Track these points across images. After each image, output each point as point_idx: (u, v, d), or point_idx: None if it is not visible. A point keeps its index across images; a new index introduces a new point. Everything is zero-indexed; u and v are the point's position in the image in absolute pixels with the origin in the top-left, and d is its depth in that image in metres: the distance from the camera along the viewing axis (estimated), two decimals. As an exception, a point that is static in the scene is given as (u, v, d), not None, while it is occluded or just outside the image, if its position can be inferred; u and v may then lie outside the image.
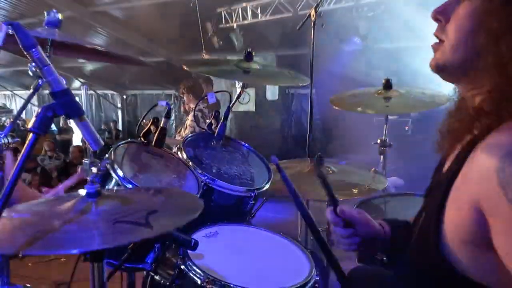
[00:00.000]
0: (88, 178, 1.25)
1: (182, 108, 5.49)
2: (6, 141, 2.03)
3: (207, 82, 5.79)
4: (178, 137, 5.37)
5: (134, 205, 1.31)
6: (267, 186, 2.17)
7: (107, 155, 1.78)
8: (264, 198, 2.27)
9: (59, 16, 1.86)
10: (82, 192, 1.26)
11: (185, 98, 5.33)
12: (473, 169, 0.87)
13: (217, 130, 2.28)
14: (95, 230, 1.10)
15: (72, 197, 1.28)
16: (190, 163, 2.03)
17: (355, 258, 2.27)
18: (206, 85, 5.75)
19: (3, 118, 12.68)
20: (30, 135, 1.06)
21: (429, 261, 0.96)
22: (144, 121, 2.15)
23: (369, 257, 1.36)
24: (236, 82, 2.37)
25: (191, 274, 1.52)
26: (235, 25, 7.32)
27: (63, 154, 10.02)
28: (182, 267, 1.55)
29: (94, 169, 1.25)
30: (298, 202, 1.32)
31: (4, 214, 1.06)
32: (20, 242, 1.02)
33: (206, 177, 1.97)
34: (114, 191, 1.53)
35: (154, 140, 2.06)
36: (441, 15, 1.00)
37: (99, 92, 13.30)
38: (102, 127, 12.98)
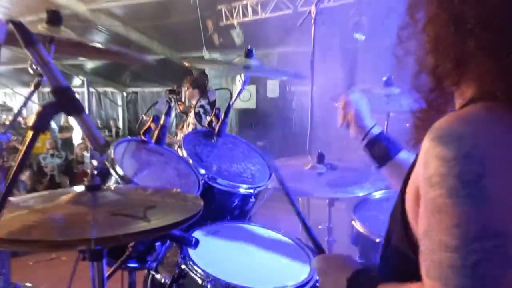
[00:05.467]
0: (88, 171, 1.25)
1: (178, 109, 5.48)
2: (6, 139, 2.02)
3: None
4: (179, 133, 5.37)
5: (133, 200, 1.31)
6: (268, 184, 2.16)
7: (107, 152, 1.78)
8: (265, 195, 2.27)
9: (60, 13, 1.85)
10: (82, 186, 1.27)
11: (187, 93, 5.32)
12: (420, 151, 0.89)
13: (217, 128, 2.27)
14: (93, 222, 1.11)
15: (72, 190, 1.28)
16: (191, 160, 2.03)
17: (355, 256, 2.27)
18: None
19: (4, 116, 12.68)
20: (30, 133, 1.05)
21: (399, 241, 0.99)
22: (144, 117, 2.15)
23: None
24: (237, 79, 2.36)
25: (192, 273, 1.52)
26: (235, 22, 7.31)
27: (64, 152, 10.02)
28: (183, 266, 1.54)
29: (94, 162, 1.25)
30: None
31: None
32: (17, 231, 1.02)
33: (206, 175, 1.96)
34: (113, 188, 1.53)
35: (154, 137, 2.05)
36: None
37: (100, 89, 13.29)
38: (106, 124, 12.98)
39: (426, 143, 0.83)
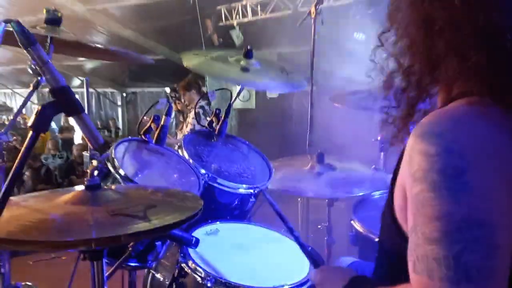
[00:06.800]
0: (88, 171, 1.25)
1: (175, 107, 5.45)
2: (6, 139, 2.02)
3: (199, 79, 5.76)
4: (179, 134, 5.36)
5: (134, 200, 1.31)
6: (268, 184, 2.16)
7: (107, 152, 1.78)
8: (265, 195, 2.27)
9: (59, 14, 1.86)
10: (82, 186, 1.27)
11: (186, 98, 5.29)
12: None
13: (218, 128, 2.28)
14: (93, 222, 1.11)
15: (72, 190, 1.28)
16: (191, 161, 2.03)
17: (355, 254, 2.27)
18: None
19: (3, 117, 12.67)
20: (30, 133, 1.06)
21: (391, 239, 1.01)
22: (144, 117, 2.15)
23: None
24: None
25: (192, 272, 1.52)
26: (235, 23, 7.31)
27: (66, 153, 10.01)
28: (183, 265, 1.55)
29: (94, 162, 1.25)
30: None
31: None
32: (17, 230, 1.02)
33: (207, 175, 1.96)
34: (113, 188, 1.53)
35: (155, 138, 2.05)
36: None
37: (99, 90, 13.28)
38: (105, 124, 12.97)
39: (411, 140, 0.86)
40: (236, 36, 7.45)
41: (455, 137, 0.80)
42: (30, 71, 1.76)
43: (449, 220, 0.76)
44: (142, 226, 1.10)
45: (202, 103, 5.01)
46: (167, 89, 6.10)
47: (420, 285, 0.78)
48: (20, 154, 1.04)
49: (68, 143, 11.42)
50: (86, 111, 1.17)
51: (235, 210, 2.09)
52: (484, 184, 0.78)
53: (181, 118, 5.80)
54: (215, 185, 1.97)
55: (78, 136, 11.12)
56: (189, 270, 1.53)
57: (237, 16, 7.22)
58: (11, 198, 1.21)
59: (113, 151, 1.78)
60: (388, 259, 1.06)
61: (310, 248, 1.70)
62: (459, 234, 0.75)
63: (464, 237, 0.75)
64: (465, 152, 0.79)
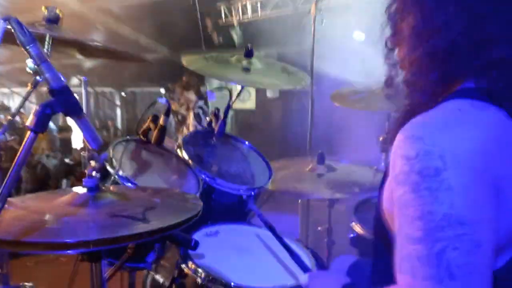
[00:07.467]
0: (87, 172, 1.24)
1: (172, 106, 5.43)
2: (4, 138, 2.01)
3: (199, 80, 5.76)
4: (180, 138, 5.35)
5: (133, 201, 1.30)
6: (268, 185, 2.15)
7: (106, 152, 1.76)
8: (265, 197, 2.26)
9: (58, 12, 1.84)
10: (81, 187, 1.25)
11: (183, 99, 5.28)
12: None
13: (217, 128, 2.26)
14: (92, 223, 1.10)
15: (71, 191, 1.27)
16: (190, 161, 2.01)
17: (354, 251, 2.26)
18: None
19: (1, 116, 12.61)
20: (28, 133, 1.04)
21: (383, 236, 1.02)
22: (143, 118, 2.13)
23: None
24: (236, 80, 2.34)
25: (192, 274, 1.51)
26: (235, 22, 7.30)
27: (63, 153, 9.98)
28: (183, 266, 1.53)
29: (93, 162, 1.24)
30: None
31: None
32: (17, 231, 1.01)
33: (206, 176, 1.95)
34: (112, 189, 1.52)
35: (153, 138, 2.04)
36: None
37: (98, 89, 13.25)
38: (104, 124, 12.93)
39: (396, 142, 0.86)
40: (236, 35, 7.44)
41: (435, 141, 0.81)
42: (29, 70, 1.74)
43: (430, 219, 0.77)
44: (141, 227, 1.09)
45: (200, 103, 5.00)
46: (162, 90, 6.10)
47: (404, 285, 0.80)
48: (18, 155, 1.03)
49: (66, 143, 11.38)
50: (84, 111, 1.15)
51: (235, 211, 2.07)
52: (463, 182, 0.78)
53: (176, 119, 5.79)
54: (215, 186, 1.96)
55: (75, 137, 11.09)
56: (189, 272, 1.51)
57: (237, 15, 7.21)
58: (10, 199, 1.20)
59: (111, 151, 1.76)
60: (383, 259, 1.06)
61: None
62: (441, 232, 0.76)
63: (445, 235, 0.76)
64: (444, 154, 0.79)
